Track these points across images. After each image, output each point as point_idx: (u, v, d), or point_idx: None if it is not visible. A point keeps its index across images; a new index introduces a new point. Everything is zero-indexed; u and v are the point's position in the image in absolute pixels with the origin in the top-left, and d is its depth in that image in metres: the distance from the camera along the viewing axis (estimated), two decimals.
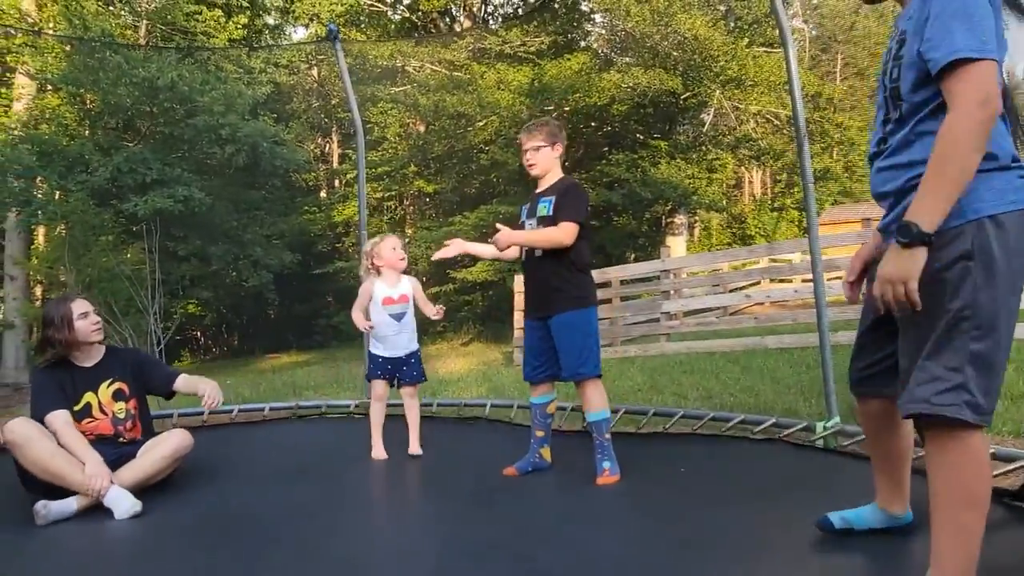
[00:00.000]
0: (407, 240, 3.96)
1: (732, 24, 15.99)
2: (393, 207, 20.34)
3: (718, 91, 14.37)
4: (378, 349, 3.74)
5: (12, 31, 14.60)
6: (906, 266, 1.58)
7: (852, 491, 2.77)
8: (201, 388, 3.26)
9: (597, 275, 9.96)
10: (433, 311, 3.75)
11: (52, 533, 2.71)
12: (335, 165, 21.93)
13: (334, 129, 21.87)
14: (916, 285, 1.58)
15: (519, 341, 10.18)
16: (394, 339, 3.73)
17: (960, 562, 1.65)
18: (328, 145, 22.98)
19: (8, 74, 16.39)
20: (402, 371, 3.75)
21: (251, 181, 14.89)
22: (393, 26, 18.93)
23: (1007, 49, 1.70)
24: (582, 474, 3.33)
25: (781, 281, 11.06)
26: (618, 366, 7.82)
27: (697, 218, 18.05)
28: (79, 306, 3.16)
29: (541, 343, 3.45)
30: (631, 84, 13.22)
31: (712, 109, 15.32)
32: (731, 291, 10.78)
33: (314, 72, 20.10)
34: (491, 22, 18.04)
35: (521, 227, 3.50)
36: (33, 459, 2.82)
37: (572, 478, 3.36)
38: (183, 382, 3.38)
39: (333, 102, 20.24)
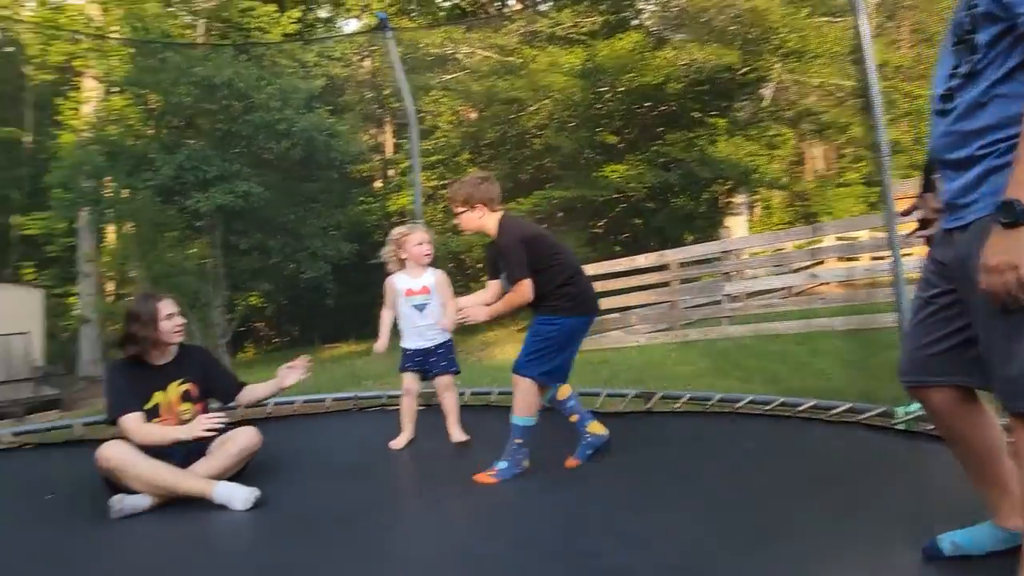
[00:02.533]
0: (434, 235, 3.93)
1: None
2: (447, 195, 20.33)
3: (778, 64, 13.84)
4: (407, 343, 3.81)
5: (79, 36, 15.13)
6: (1016, 249, 1.38)
7: (939, 476, 2.59)
8: (273, 386, 3.33)
9: (655, 257, 9.77)
10: (447, 322, 3.66)
11: (126, 528, 2.74)
12: (389, 155, 22.07)
13: (387, 119, 21.99)
14: None
15: None
16: (420, 330, 3.76)
17: None
18: (381, 135, 23.13)
19: (77, 78, 17.03)
20: (430, 362, 3.76)
21: (307, 174, 15.09)
22: (443, 13, 18.86)
23: None
24: (643, 458, 3.24)
25: (849, 260, 10.60)
26: (679, 351, 7.64)
27: (758, 196, 17.48)
28: (166, 306, 3.13)
29: None
30: (686, 61, 12.84)
31: (772, 83, 14.77)
32: (796, 271, 10.41)
33: (366, 63, 20.24)
34: (541, 4, 17.80)
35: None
36: (137, 478, 2.81)
37: (629, 461, 3.27)
38: (248, 394, 3.40)
39: (386, 92, 20.35)
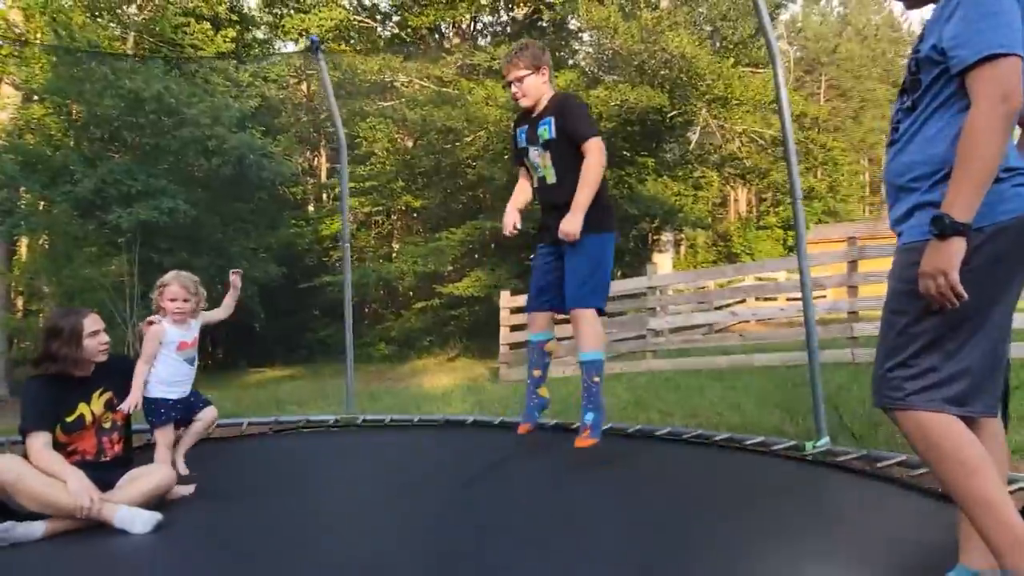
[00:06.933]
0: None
1: (718, 44, 16.17)
2: (380, 222, 20.30)
3: (704, 109, 14.50)
4: (170, 393, 3.39)
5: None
6: (941, 258, 1.59)
7: (847, 502, 2.77)
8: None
9: None
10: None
11: (12, 556, 2.55)
12: (323, 179, 21.89)
13: (322, 143, 21.85)
14: (956, 276, 1.58)
15: (506, 357, 10.13)
16: (186, 382, 3.46)
17: None
18: (316, 159, 22.94)
19: None
20: (190, 405, 3.49)
21: (237, 194, 14.78)
22: (383, 42, 18.98)
23: None
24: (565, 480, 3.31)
25: (767, 299, 11.10)
26: (605, 383, 7.78)
27: (683, 235, 18.16)
28: (91, 322, 2.97)
29: (549, 272, 3.34)
30: (618, 101, 13.30)
31: (698, 127, 15.45)
32: (717, 309, 10.82)
33: (303, 87, 20.11)
34: (480, 39, 18.13)
35: (524, 152, 3.34)
36: (28, 494, 2.63)
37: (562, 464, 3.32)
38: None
39: (322, 116, 20.25)
